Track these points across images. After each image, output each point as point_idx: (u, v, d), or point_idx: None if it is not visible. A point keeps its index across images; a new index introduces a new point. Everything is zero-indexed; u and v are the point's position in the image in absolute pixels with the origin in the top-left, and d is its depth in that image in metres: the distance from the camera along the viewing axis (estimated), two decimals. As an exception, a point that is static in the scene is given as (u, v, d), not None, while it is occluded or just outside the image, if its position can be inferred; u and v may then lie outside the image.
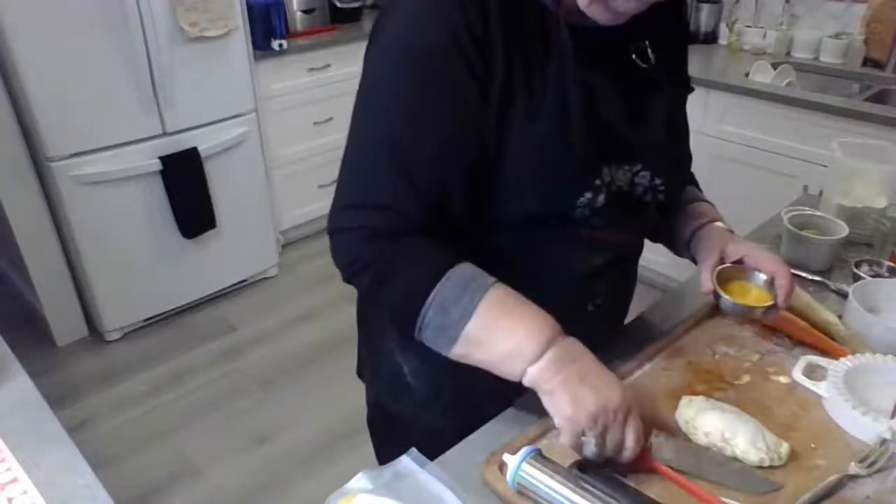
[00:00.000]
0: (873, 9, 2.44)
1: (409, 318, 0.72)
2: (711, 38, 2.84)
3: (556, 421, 0.70)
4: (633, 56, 0.80)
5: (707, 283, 0.86)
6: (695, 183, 1.02)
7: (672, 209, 0.94)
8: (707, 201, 0.99)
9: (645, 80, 0.80)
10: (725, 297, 0.84)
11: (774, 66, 2.46)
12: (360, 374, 1.09)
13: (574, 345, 0.72)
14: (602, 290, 0.88)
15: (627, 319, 1.04)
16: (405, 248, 0.73)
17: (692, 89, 0.92)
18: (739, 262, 0.88)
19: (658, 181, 0.83)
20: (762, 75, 2.44)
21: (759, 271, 0.87)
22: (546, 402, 0.71)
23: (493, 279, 0.73)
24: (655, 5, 0.69)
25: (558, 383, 0.69)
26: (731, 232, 0.93)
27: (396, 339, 0.92)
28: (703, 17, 2.83)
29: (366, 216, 0.73)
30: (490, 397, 0.84)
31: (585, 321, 0.86)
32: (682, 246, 0.95)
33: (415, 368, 0.92)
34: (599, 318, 0.90)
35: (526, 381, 0.71)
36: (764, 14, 2.74)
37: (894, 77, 2.41)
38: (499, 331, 0.71)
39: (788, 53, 2.65)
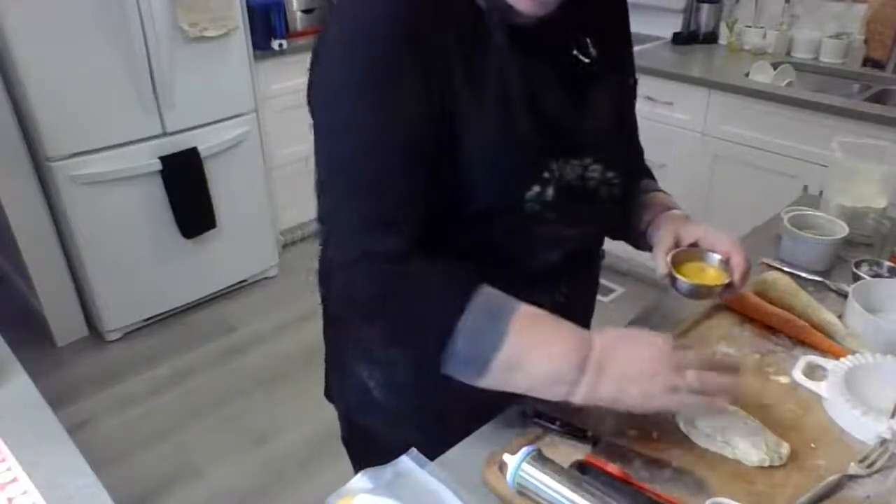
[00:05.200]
0: (873, 9, 2.44)
1: (434, 350, 0.70)
2: (711, 38, 2.84)
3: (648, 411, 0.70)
4: (574, 51, 0.80)
5: (662, 265, 0.84)
6: (650, 175, 1.01)
7: (629, 203, 0.93)
8: (662, 191, 0.97)
9: (588, 74, 0.80)
10: (681, 278, 0.82)
11: (774, 66, 2.46)
12: (327, 395, 1.07)
13: (605, 345, 0.71)
14: (563, 287, 0.87)
15: (629, 319, 1.04)
16: (419, 274, 0.72)
17: (636, 80, 0.91)
18: (694, 245, 0.87)
19: (610, 174, 0.82)
20: (762, 75, 2.44)
21: (714, 252, 0.86)
22: (614, 407, 0.71)
23: (517, 303, 0.72)
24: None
25: (611, 390, 0.69)
26: (687, 217, 0.91)
27: (363, 353, 0.91)
28: (703, 17, 2.83)
29: (379, 238, 0.71)
30: (463, 415, 0.82)
31: None
32: (639, 237, 0.94)
33: (380, 383, 0.91)
34: (563, 314, 0.88)
35: (576, 402, 0.71)
36: (764, 14, 2.74)
37: (894, 77, 2.41)
38: (533, 358, 0.70)
39: (788, 53, 2.65)
